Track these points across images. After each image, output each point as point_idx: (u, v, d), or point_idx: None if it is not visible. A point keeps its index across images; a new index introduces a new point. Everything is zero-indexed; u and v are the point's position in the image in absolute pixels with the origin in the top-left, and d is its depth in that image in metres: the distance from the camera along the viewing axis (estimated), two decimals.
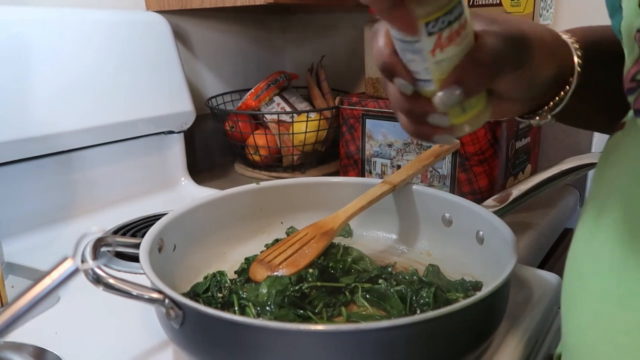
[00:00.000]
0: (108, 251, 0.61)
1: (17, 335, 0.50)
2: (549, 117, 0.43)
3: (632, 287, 0.29)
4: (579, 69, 0.41)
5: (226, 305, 0.51)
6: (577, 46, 0.41)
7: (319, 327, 0.37)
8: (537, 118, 0.43)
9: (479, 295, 0.40)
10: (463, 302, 0.39)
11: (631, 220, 0.31)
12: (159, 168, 0.91)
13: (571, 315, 0.36)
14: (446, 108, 0.34)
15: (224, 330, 0.38)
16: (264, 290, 0.51)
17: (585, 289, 0.34)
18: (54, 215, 0.75)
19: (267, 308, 0.49)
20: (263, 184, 0.66)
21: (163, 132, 0.91)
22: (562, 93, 0.41)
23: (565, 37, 0.42)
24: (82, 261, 0.28)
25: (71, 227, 0.75)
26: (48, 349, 0.45)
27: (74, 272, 0.24)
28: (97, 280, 0.39)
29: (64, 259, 0.24)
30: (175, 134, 0.92)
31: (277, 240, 0.63)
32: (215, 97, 1.06)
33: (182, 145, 0.94)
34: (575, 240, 0.37)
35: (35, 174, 0.73)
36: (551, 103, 0.42)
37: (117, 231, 0.71)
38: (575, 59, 0.41)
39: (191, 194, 0.90)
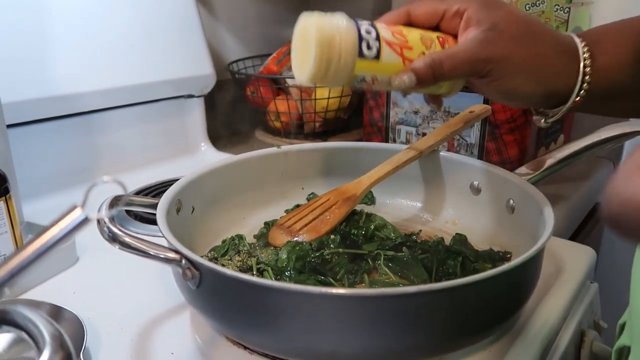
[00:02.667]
0: (124, 210, 0.60)
1: (35, 294, 0.50)
2: (542, 122, 0.47)
3: None
4: (586, 77, 0.42)
5: (244, 269, 0.50)
6: (586, 55, 0.42)
7: (342, 290, 0.35)
8: (543, 121, 0.47)
9: (511, 264, 0.38)
10: (494, 271, 0.36)
11: None
12: (178, 133, 0.90)
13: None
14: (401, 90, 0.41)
15: (242, 292, 0.37)
16: (284, 256, 0.49)
17: None
18: (74, 177, 0.74)
19: (287, 273, 0.48)
20: (284, 147, 0.64)
21: (183, 96, 0.89)
22: (571, 102, 0.43)
23: (577, 41, 0.43)
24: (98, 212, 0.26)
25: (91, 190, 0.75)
26: (66, 307, 0.45)
27: (83, 222, 0.23)
28: (112, 238, 0.38)
29: (73, 208, 0.23)
30: (195, 98, 0.91)
31: (297, 206, 0.61)
32: (236, 61, 1.03)
33: (202, 110, 0.92)
34: None
35: (55, 134, 0.72)
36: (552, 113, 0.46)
37: (136, 194, 0.71)
38: (581, 68, 0.42)
39: (211, 159, 0.88)
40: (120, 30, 0.77)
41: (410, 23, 0.43)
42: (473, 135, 0.79)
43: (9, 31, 0.65)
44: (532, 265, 0.42)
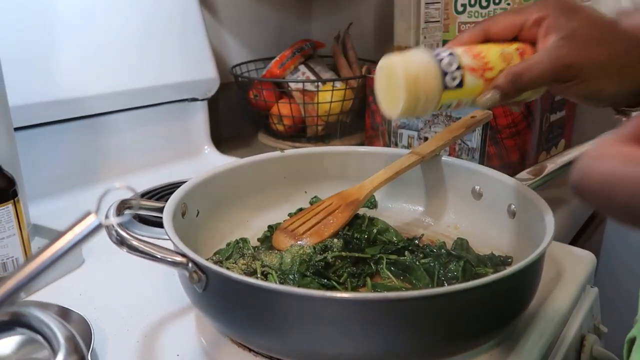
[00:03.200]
0: (131, 215, 0.61)
1: (42, 295, 0.51)
2: (623, 120, 0.45)
3: None
4: None
5: (248, 273, 0.50)
6: None
7: (345, 294, 0.36)
8: (620, 117, 0.45)
9: (513, 268, 0.38)
10: (496, 275, 0.37)
11: None
12: (182, 136, 0.90)
13: None
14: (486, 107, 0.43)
15: (248, 295, 0.37)
16: (288, 259, 0.50)
17: None
18: (79, 179, 0.75)
19: (291, 276, 0.48)
20: (287, 152, 0.65)
21: (186, 100, 0.90)
22: None
23: None
24: (106, 218, 0.27)
25: (96, 192, 0.75)
26: (73, 309, 0.45)
27: (97, 228, 0.24)
28: (120, 241, 0.39)
29: (87, 214, 0.23)
30: (198, 102, 0.91)
31: (300, 210, 0.61)
32: (239, 65, 1.04)
33: (206, 113, 0.93)
34: None
35: (61, 137, 0.73)
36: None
37: (141, 197, 0.71)
38: None
39: (214, 162, 0.89)
40: (124, 35, 0.78)
41: (488, 39, 0.44)
42: (474, 140, 0.79)
43: (16, 37, 0.66)
44: (533, 270, 0.42)
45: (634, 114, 0.45)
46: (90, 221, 0.23)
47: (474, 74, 0.41)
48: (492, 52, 0.43)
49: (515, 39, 0.44)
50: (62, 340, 0.24)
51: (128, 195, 0.26)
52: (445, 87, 0.40)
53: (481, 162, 0.79)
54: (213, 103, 0.97)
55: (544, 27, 0.42)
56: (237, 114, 1.08)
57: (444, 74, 0.40)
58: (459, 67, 0.41)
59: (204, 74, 0.89)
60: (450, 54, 0.41)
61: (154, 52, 0.82)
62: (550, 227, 0.43)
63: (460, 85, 0.41)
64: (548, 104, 0.79)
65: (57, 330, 0.25)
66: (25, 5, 0.67)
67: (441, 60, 0.41)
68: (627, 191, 0.18)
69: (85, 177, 0.76)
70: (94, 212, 0.24)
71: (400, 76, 0.40)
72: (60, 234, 0.24)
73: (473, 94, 0.42)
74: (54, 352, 0.24)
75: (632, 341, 0.38)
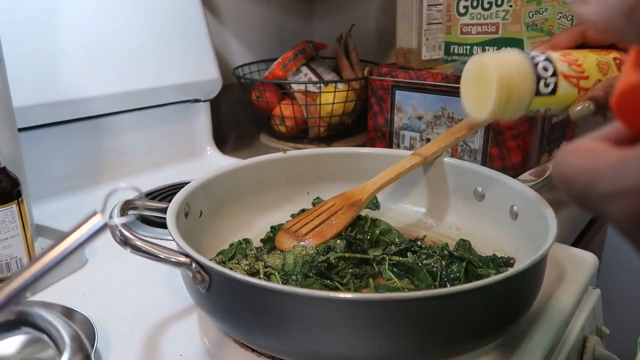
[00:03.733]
0: (134, 215, 0.61)
1: (46, 295, 0.51)
2: None
3: None
4: None
5: (251, 273, 0.50)
6: None
7: (348, 295, 0.36)
8: None
9: (515, 270, 0.38)
10: (498, 277, 0.37)
11: None
12: (185, 137, 0.91)
13: None
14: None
15: (251, 295, 0.37)
16: (291, 260, 0.50)
17: None
18: (82, 180, 0.75)
19: (293, 277, 0.48)
20: (290, 153, 0.65)
21: (189, 101, 0.90)
22: None
23: None
24: (110, 218, 0.27)
25: (99, 192, 0.76)
26: (76, 309, 0.45)
27: (103, 228, 0.24)
28: (124, 242, 0.39)
29: (93, 214, 0.23)
30: (201, 103, 0.92)
31: (303, 210, 0.62)
32: (242, 66, 1.04)
33: (208, 114, 0.93)
34: None
35: (64, 138, 0.73)
36: None
37: (144, 199, 0.71)
38: None
39: (216, 163, 0.89)
40: (128, 36, 0.79)
41: (585, 42, 0.43)
42: (477, 142, 0.79)
43: (20, 38, 0.66)
44: (535, 272, 0.42)
45: None
46: (96, 221, 0.24)
47: (569, 81, 0.39)
48: (589, 61, 0.41)
49: (613, 45, 0.43)
50: (67, 339, 0.24)
51: (133, 195, 0.26)
52: (538, 93, 0.39)
53: (483, 164, 0.79)
54: (215, 104, 0.97)
55: None
56: (240, 115, 1.09)
57: (539, 78, 0.38)
58: (554, 74, 0.39)
59: (207, 75, 0.89)
60: (546, 58, 0.39)
61: (157, 53, 0.82)
62: (553, 228, 0.43)
63: (554, 92, 0.39)
64: None
65: (62, 329, 0.25)
66: (29, 7, 0.68)
67: (537, 64, 0.39)
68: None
69: (88, 177, 0.76)
70: (100, 212, 0.24)
71: (493, 76, 0.37)
72: (66, 234, 0.24)
73: (565, 103, 0.40)
74: (60, 351, 0.24)
75: None
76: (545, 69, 0.39)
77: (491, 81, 0.38)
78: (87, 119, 0.76)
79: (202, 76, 0.89)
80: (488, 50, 0.89)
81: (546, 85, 0.39)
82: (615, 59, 0.42)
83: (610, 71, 0.41)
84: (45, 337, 0.25)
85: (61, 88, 0.70)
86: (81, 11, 0.73)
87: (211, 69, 0.90)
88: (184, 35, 0.87)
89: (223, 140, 1.01)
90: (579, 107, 0.40)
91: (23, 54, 0.66)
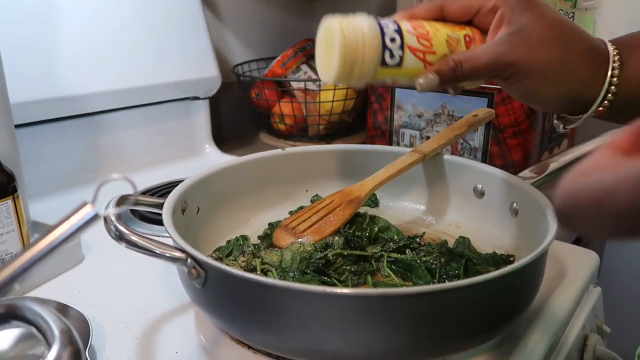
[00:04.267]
0: (129, 207, 0.60)
1: (41, 292, 0.51)
2: (561, 128, 0.46)
3: None
4: (612, 87, 0.41)
5: (248, 270, 0.50)
6: (616, 65, 0.41)
7: (344, 290, 0.36)
8: (558, 124, 0.46)
9: (514, 266, 0.38)
10: (496, 273, 0.37)
11: None
12: (183, 134, 0.90)
13: None
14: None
15: (247, 291, 0.37)
16: (288, 257, 0.50)
17: None
18: (80, 177, 0.75)
19: (291, 274, 0.48)
20: (289, 149, 0.64)
21: (188, 98, 0.90)
22: (591, 111, 0.42)
23: (610, 49, 0.42)
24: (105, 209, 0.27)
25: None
26: (71, 305, 0.45)
27: (93, 219, 0.23)
28: (119, 236, 0.38)
29: (83, 204, 0.23)
30: (200, 100, 0.91)
31: (301, 208, 0.61)
32: (241, 64, 1.04)
33: (207, 112, 0.93)
34: None
35: (61, 135, 0.73)
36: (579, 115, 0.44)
37: (142, 195, 0.71)
38: (608, 77, 0.41)
39: (215, 161, 0.88)
40: (126, 33, 0.78)
41: (442, 17, 0.43)
42: (477, 139, 0.79)
43: (17, 33, 0.66)
44: (534, 268, 0.42)
45: (573, 122, 0.45)
46: (87, 211, 0.23)
47: (415, 55, 0.39)
48: (439, 36, 0.41)
49: (469, 22, 0.43)
50: (57, 332, 0.24)
51: (127, 188, 0.26)
52: (384, 64, 0.38)
53: (483, 161, 0.78)
54: (215, 102, 0.96)
55: (497, 18, 0.41)
56: (239, 113, 1.08)
57: (384, 48, 0.38)
58: (401, 46, 0.39)
59: (206, 72, 0.89)
60: (397, 29, 0.39)
61: (156, 50, 0.82)
62: (553, 225, 0.43)
63: (399, 64, 0.39)
64: None
65: (52, 323, 0.24)
66: (27, 3, 0.67)
67: (384, 34, 0.38)
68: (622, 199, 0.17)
69: (86, 175, 0.76)
70: (91, 202, 0.23)
71: (338, 40, 0.37)
72: (56, 224, 0.23)
73: (411, 75, 0.41)
74: (49, 345, 0.23)
75: None
76: (393, 39, 0.38)
77: (336, 45, 0.37)
78: (85, 116, 0.75)
79: (201, 74, 0.88)
80: None
81: (392, 56, 0.38)
82: (466, 35, 0.42)
83: (459, 47, 0.41)
84: (34, 330, 0.25)
85: (59, 84, 0.70)
86: (80, 7, 0.73)
87: (210, 67, 0.89)
88: (183, 32, 0.86)
89: (222, 138, 1.00)
90: (424, 80, 0.41)
91: (20, 49, 0.66)
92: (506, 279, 0.37)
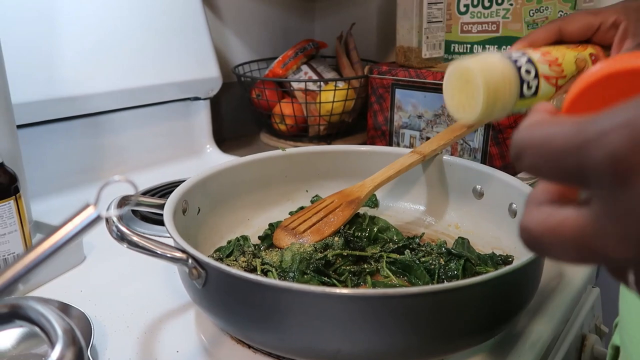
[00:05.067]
0: (130, 208, 0.61)
1: (43, 291, 0.51)
2: None
3: None
4: None
5: (249, 270, 0.50)
6: None
7: (345, 290, 0.36)
8: None
9: (512, 267, 0.38)
10: (495, 273, 0.37)
11: None
12: (184, 134, 0.91)
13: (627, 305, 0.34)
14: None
15: (247, 291, 0.37)
16: (288, 257, 0.50)
17: None
18: (81, 177, 0.75)
19: (291, 274, 0.48)
20: (289, 150, 0.65)
21: (189, 98, 0.90)
22: None
23: None
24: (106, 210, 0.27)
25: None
26: (73, 305, 0.45)
27: (96, 220, 0.24)
28: (121, 237, 0.39)
29: (86, 206, 0.23)
30: (201, 101, 0.92)
31: (301, 208, 0.62)
32: (242, 64, 1.04)
33: (208, 112, 0.93)
34: None
35: (63, 135, 0.73)
36: None
37: (143, 195, 0.71)
38: None
39: (216, 161, 0.89)
40: (128, 33, 0.79)
41: (561, 39, 0.43)
42: (476, 140, 0.79)
43: (19, 34, 0.67)
44: (532, 269, 0.42)
45: None
46: (89, 213, 0.23)
47: (549, 82, 0.40)
48: (567, 59, 0.42)
49: (588, 40, 0.43)
50: (60, 332, 0.24)
51: (129, 189, 0.26)
52: (522, 96, 0.39)
53: (483, 162, 0.79)
54: (215, 102, 0.97)
55: (620, 31, 0.41)
56: (240, 113, 1.09)
57: (522, 82, 0.39)
58: (536, 76, 0.40)
59: (207, 73, 0.89)
60: (528, 60, 0.40)
61: (157, 50, 0.82)
62: None
63: (535, 94, 0.40)
64: None
65: (56, 322, 0.25)
66: (29, 3, 0.68)
67: (520, 67, 0.39)
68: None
69: (87, 175, 0.76)
70: (93, 204, 0.24)
71: (479, 82, 0.38)
72: (59, 226, 0.24)
73: (544, 100, 0.41)
74: (52, 344, 0.24)
75: (616, 348, 0.38)
76: (528, 71, 0.39)
77: (477, 88, 0.38)
78: (87, 116, 0.76)
79: (202, 74, 0.89)
80: (488, 49, 0.89)
81: (529, 87, 0.39)
82: (591, 54, 0.43)
83: (587, 67, 0.42)
84: (37, 329, 0.25)
85: (60, 85, 0.70)
86: (81, 7, 0.74)
87: (211, 67, 0.90)
88: (184, 32, 0.87)
89: (223, 138, 1.01)
90: (554, 102, 0.41)
91: (22, 50, 0.66)
92: (504, 280, 0.38)
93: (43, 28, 0.69)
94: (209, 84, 0.90)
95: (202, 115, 0.92)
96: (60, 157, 0.73)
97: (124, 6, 0.78)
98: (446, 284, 0.39)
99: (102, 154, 0.79)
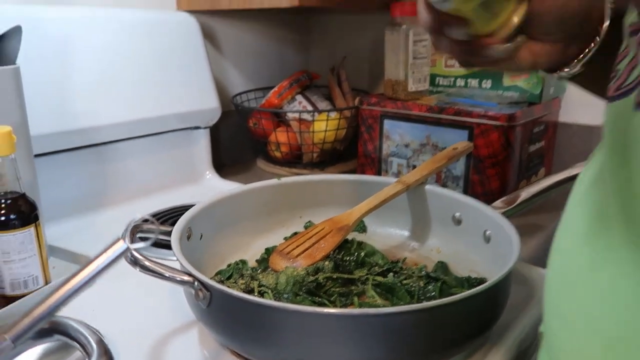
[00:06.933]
0: (152, 242, 0.65)
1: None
2: (578, 66, 0.41)
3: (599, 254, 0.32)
4: (609, 13, 0.38)
5: (247, 292, 0.55)
6: None
7: (333, 310, 0.41)
8: (566, 70, 0.41)
9: (479, 287, 0.43)
10: (464, 294, 0.42)
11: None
12: (185, 162, 0.96)
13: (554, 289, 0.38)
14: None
15: (248, 311, 0.42)
16: (283, 280, 0.55)
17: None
18: (90, 203, 0.80)
19: (285, 296, 0.53)
20: (284, 179, 0.70)
21: (190, 128, 0.96)
22: (592, 44, 0.39)
23: None
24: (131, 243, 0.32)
25: (105, 215, 0.81)
26: (87, 323, 0.50)
27: (125, 252, 0.29)
28: (134, 262, 0.44)
29: (117, 240, 0.28)
30: (201, 130, 0.97)
31: (295, 233, 0.67)
32: (240, 94, 1.10)
33: (208, 140, 0.99)
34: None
35: (74, 164, 0.78)
36: (581, 55, 0.40)
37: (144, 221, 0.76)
38: (607, 3, 0.38)
39: (215, 187, 0.95)
40: (134, 69, 0.84)
41: None
42: (459, 169, 0.85)
43: (36, 72, 0.72)
44: (498, 291, 0.48)
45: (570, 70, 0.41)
46: (119, 246, 0.29)
47: None
48: None
49: None
50: (94, 344, 0.29)
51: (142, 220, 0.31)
52: None
53: (465, 190, 0.85)
54: (215, 130, 1.02)
55: None
56: (238, 141, 1.14)
57: None
58: None
59: (207, 104, 0.95)
60: None
61: (161, 84, 0.88)
62: (516, 250, 0.49)
63: None
64: (527, 136, 0.85)
65: (89, 335, 0.30)
66: (46, 45, 0.74)
67: None
68: None
69: (95, 200, 0.81)
70: (122, 238, 0.29)
71: None
72: (94, 257, 0.29)
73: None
74: (88, 355, 0.29)
75: (541, 334, 0.42)
76: None
77: None
78: (96, 146, 0.81)
79: (203, 105, 0.94)
80: (470, 83, 0.95)
81: None
82: None
83: None
84: (74, 343, 0.30)
85: (73, 117, 0.75)
86: (91, 47, 0.79)
87: (211, 98, 0.96)
88: (186, 66, 0.93)
89: (222, 164, 1.06)
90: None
91: (39, 86, 0.72)
92: (473, 300, 0.43)
93: (56, 66, 0.75)
94: (209, 114, 0.96)
95: (202, 144, 0.98)
96: (71, 184, 0.78)
97: (130, 44, 0.84)
98: (423, 304, 0.44)
99: (108, 181, 0.84)
